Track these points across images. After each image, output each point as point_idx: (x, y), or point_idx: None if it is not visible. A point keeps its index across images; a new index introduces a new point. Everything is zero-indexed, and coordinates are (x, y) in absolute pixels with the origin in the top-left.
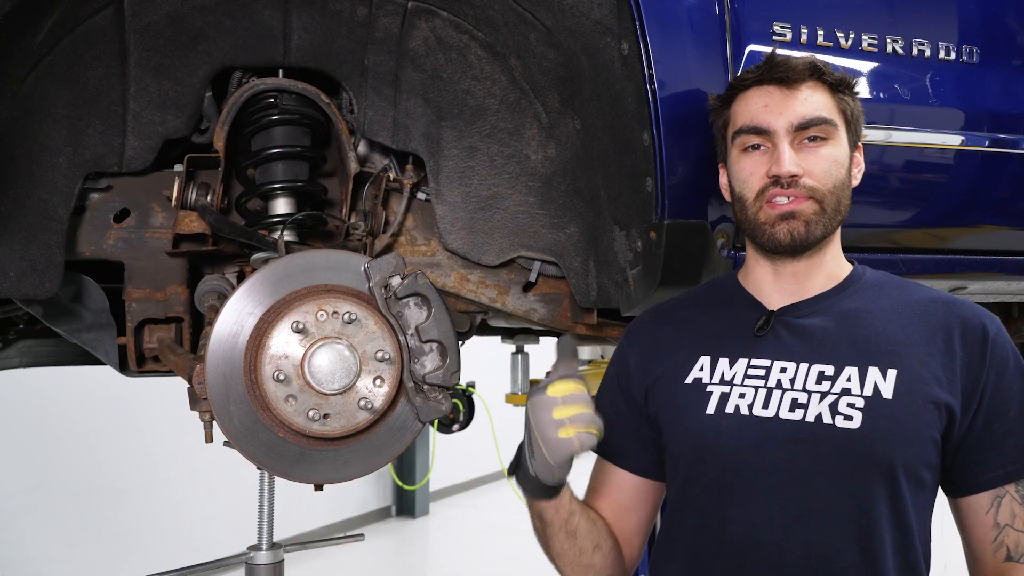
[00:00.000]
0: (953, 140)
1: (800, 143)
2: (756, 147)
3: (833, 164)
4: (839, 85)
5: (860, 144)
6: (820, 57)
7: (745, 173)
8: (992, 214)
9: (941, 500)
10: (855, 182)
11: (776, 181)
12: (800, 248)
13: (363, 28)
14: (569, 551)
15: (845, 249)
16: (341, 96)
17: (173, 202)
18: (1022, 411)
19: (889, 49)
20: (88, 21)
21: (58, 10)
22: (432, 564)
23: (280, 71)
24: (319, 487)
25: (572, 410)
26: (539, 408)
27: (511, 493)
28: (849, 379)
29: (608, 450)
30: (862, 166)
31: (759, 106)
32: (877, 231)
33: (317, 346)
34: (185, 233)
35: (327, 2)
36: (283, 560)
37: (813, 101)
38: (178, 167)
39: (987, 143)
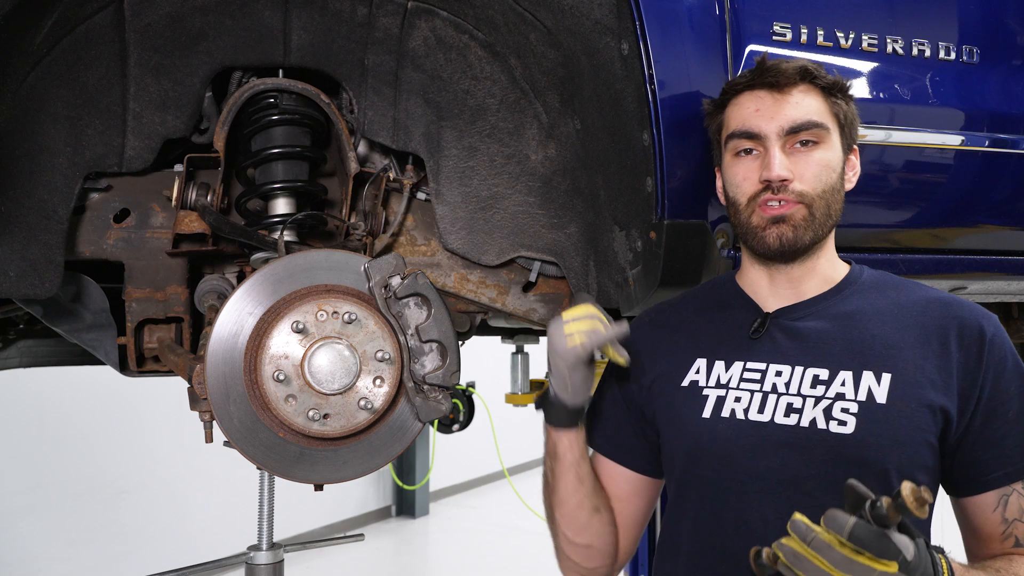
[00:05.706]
0: (953, 140)
1: (792, 147)
2: (748, 151)
3: (824, 169)
4: (831, 88)
5: (855, 147)
6: (820, 57)
7: (738, 178)
8: (992, 214)
9: (942, 500)
10: (850, 185)
11: (768, 186)
12: (790, 253)
13: (363, 28)
14: (572, 498)
15: (846, 249)
16: (341, 96)
17: (173, 202)
18: (1022, 411)
19: (889, 49)
20: (88, 21)
21: (58, 10)
22: (432, 564)
23: (280, 71)
24: (319, 487)
25: (579, 325)
26: (552, 328)
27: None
28: (843, 383)
29: (606, 446)
30: (857, 169)
31: (750, 110)
32: (877, 231)
33: (317, 346)
34: (185, 233)
35: (327, 2)
36: (283, 560)
37: (804, 105)
38: (178, 167)
39: (987, 143)
